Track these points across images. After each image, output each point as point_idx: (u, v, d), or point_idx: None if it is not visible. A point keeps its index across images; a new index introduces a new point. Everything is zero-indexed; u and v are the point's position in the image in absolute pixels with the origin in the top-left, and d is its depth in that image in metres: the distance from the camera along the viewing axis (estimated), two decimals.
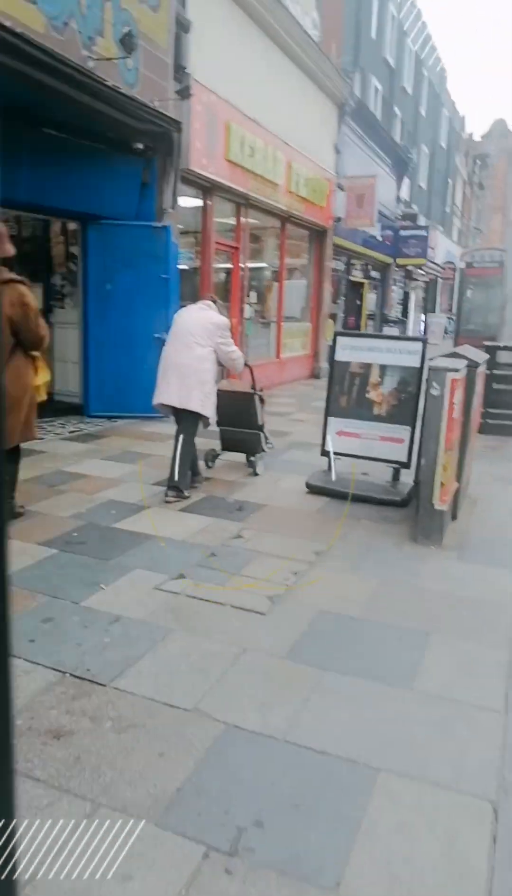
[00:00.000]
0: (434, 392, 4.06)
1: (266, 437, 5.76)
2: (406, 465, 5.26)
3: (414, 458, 5.19)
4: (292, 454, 6.65)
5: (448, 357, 4.49)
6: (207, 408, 4.91)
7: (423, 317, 25.75)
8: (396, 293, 21.51)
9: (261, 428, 5.68)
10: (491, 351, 7.56)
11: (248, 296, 10.81)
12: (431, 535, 4.30)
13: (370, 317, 19.02)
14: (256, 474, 5.66)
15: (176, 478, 4.87)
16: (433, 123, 27.93)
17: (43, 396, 4.43)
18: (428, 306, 27.59)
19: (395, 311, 21.11)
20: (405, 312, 23.07)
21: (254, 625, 3.17)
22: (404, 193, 20.94)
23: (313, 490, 5.34)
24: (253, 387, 5.67)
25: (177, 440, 4.96)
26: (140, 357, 7.68)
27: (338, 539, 4.37)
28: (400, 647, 3.04)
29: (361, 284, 17.82)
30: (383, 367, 5.25)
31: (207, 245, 9.36)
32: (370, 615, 3.33)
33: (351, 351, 5.35)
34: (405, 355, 5.17)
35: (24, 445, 4.46)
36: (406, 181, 20.84)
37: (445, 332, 24.22)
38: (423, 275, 24.20)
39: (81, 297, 7.84)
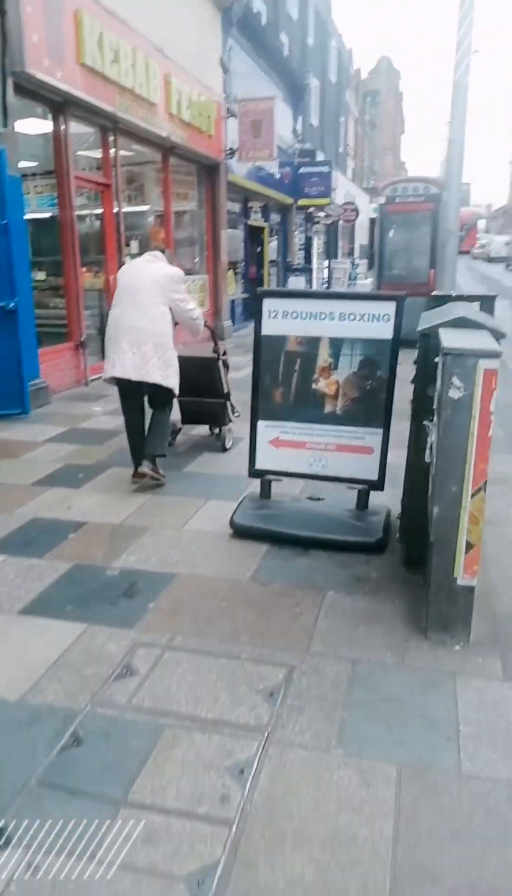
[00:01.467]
0: (455, 393, 2.26)
1: (233, 407, 5.12)
2: (378, 486, 3.51)
3: (391, 476, 3.45)
4: (205, 461, 4.79)
5: (457, 325, 2.65)
6: (171, 378, 4.18)
7: (326, 263, 23.99)
8: (298, 238, 19.57)
9: (227, 396, 5.06)
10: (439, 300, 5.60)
11: (127, 245, 8.62)
12: (451, 625, 2.57)
13: (272, 264, 17.03)
14: (225, 449, 5.01)
15: (155, 451, 4.20)
16: (322, 55, 25.64)
17: None
18: (330, 251, 25.84)
19: (298, 259, 19.21)
20: (309, 259, 21.22)
21: None
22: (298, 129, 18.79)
23: (241, 533, 3.51)
24: (215, 350, 4.98)
25: (132, 421, 4.27)
26: None
27: (299, 651, 2.56)
28: None
29: (261, 229, 15.76)
30: (337, 342, 3.39)
31: (65, 181, 7.09)
32: None
33: (284, 320, 3.44)
34: (369, 322, 3.32)
35: None
36: (299, 119, 18.67)
37: (350, 278, 22.59)
38: (324, 217, 22.31)
39: None
